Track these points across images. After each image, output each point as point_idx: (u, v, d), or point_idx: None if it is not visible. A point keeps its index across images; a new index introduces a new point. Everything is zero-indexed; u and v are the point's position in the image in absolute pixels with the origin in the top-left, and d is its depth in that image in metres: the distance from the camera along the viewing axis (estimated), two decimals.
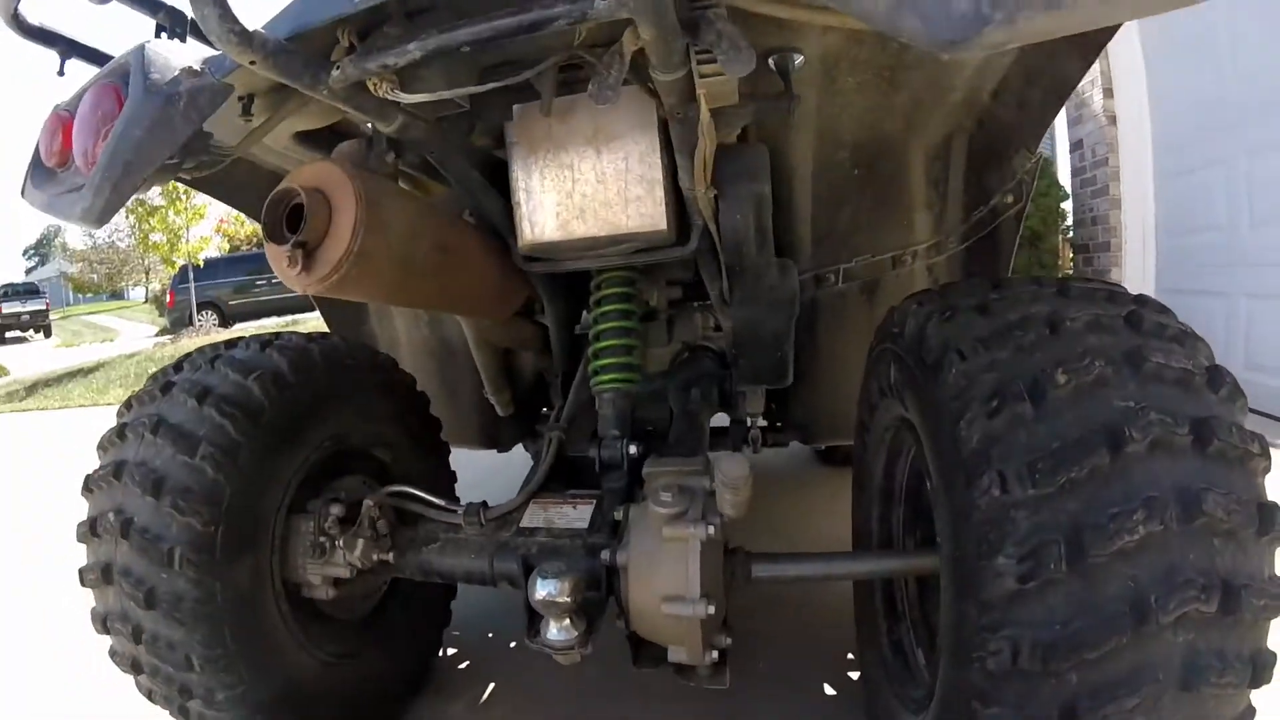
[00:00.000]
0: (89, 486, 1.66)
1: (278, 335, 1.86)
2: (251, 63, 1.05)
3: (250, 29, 1.03)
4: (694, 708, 2.08)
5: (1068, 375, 1.12)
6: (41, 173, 1.55)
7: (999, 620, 1.08)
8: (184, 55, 1.33)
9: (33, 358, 20.21)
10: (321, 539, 1.71)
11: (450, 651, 2.50)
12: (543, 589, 1.37)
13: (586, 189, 1.55)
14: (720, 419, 2.22)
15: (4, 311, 30.46)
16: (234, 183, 1.90)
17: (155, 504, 1.53)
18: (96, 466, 1.66)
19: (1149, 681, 1.02)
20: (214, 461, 1.55)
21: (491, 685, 2.29)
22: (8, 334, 30.34)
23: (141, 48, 1.32)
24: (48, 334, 31.02)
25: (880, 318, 1.69)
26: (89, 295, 45.71)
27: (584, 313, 2.09)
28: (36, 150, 1.56)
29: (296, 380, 1.73)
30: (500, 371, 2.26)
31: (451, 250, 1.53)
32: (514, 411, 2.37)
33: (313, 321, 14.55)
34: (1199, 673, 1.02)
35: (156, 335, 21.00)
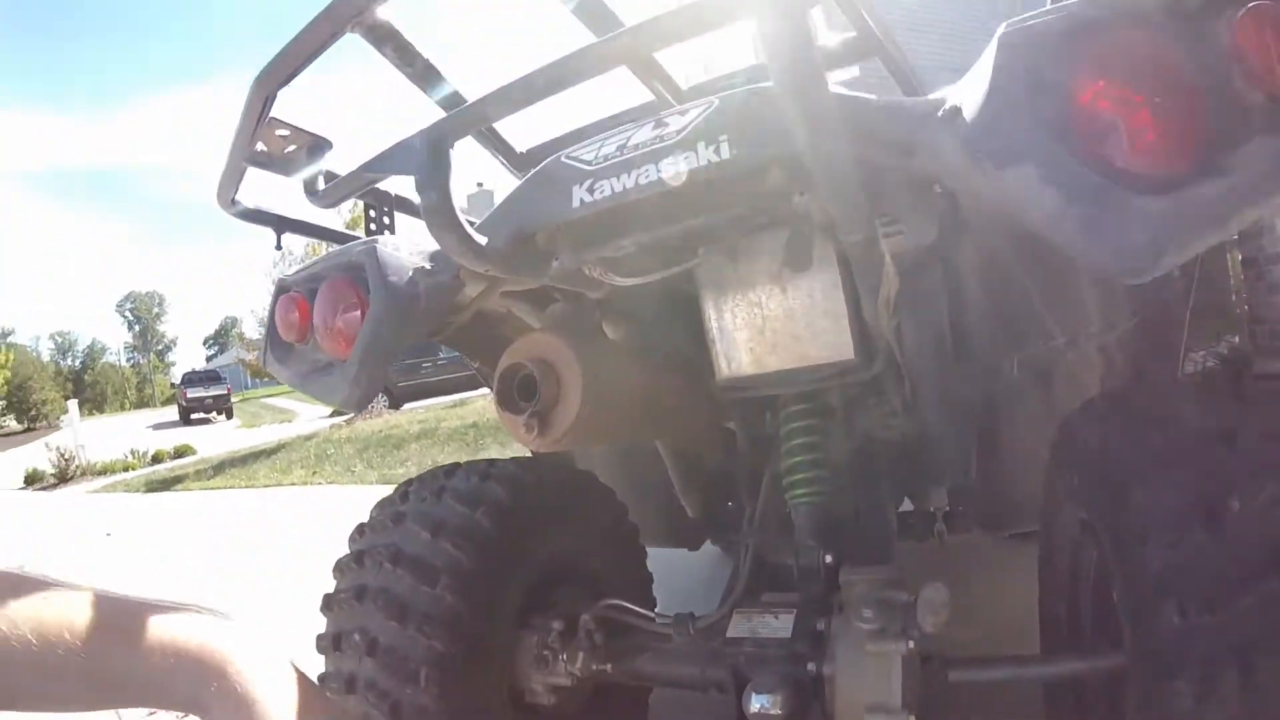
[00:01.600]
0: (329, 605, 1.87)
1: (492, 464, 2.04)
2: (487, 270, 1.22)
3: (482, 242, 1.18)
4: None
5: (1241, 501, 1.15)
6: (281, 347, 1.79)
7: None
8: (410, 251, 1.54)
9: (218, 438, 21.71)
10: (545, 652, 1.87)
11: None
12: (758, 702, 1.49)
13: (776, 324, 1.68)
14: (905, 504, 2.29)
15: (190, 396, 33.07)
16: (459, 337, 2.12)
17: (399, 628, 1.71)
18: (336, 587, 1.87)
19: None
20: (452, 590, 1.74)
21: None
22: (193, 416, 32.79)
23: (373, 250, 1.53)
24: (229, 415, 33.45)
25: (1056, 400, 1.76)
26: (266, 380, 48.89)
27: (767, 414, 2.21)
28: (272, 325, 1.79)
29: (515, 507, 1.91)
30: (691, 475, 2.40)
31: (660, 393, 1.70)
32: (703, 513, 2.51)
33: (478, 400, 15.23)
34: None
35: (330, 416, 22.28)
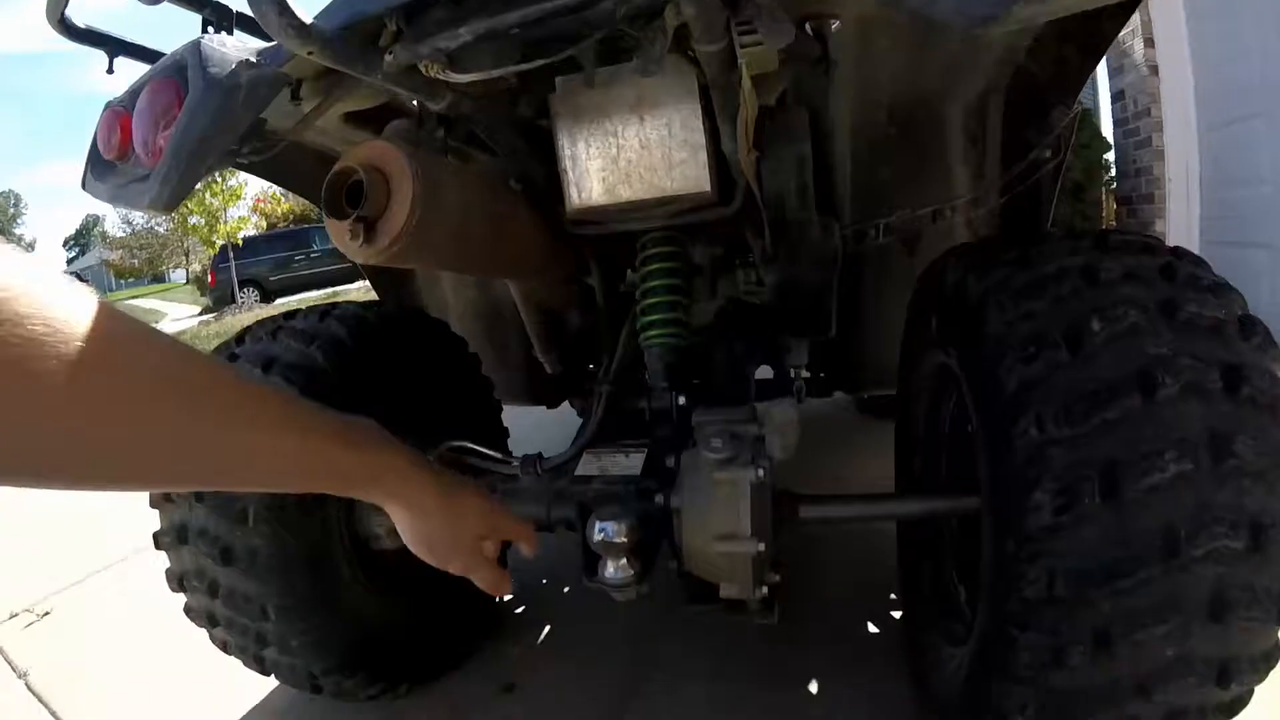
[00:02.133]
0: None
1: (334, 305, 1.96)
2: (309, 53, 1.11)
3: (306, 21, 1.08)
4: (741, 645, 2.18)
5: (1103, 323, 1.18)
6: (101, 166, 1.63)
7: (1036, 551, 1.15)
8: (236, 48, 1.41)
9: None
10: None
11: (508, 597, 2.62)
12: (600, 531, 1.46)
13: (631, 155, 1.61)
14: (765, 371, 2.28)
15: None
16: (285, 166, 1.97)
17: None
18: None
19: (1179, 610, 1.09)
20: None
21: (548, 628, 2.42)
22: None
23: (197, 43, 1.40)
24: None
25: (920, 270, 1.76)
26: (131, 280, 46.44)
27: (629, 271, 2.16)
28: (94, 145, 1.64)
29: (355, 346, 1.83)
30: (548, 331, 2.34)
31: (503, 218, 1.61)
32: (562, 370, 2.46)
33: (354, 294, 14.84)
34: (1227, 605, 1.09)
35: (200, 314, 21.37)
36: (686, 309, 1.95)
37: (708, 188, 1.60)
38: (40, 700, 2.28)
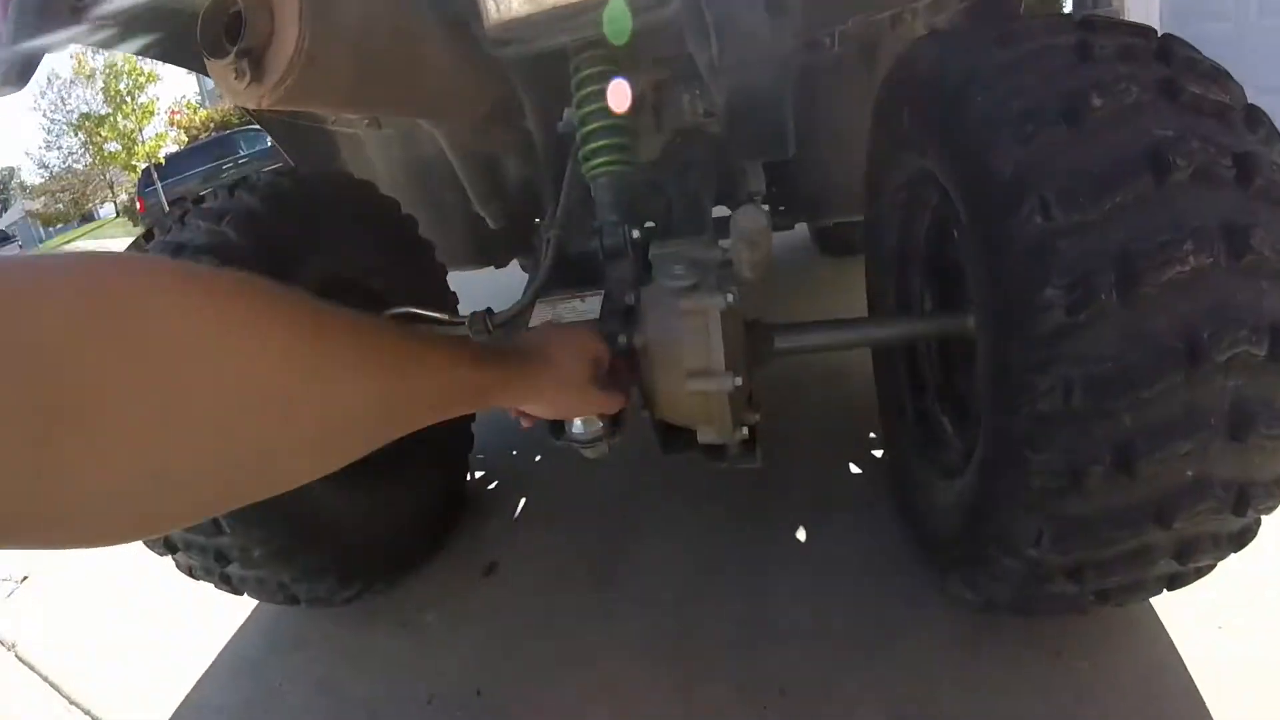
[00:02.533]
0: None
1: (245, 178, 1.75)
2: None
3: None
4: (722, 496, 2.10)
5: (1104, 99, 1.03)
6: None
7: (1048, 357, 1.02)
8: None
9: None
10: None
11: (479, 474, 2.53)
12: None
13: None
14: (720, 211, 2.13)
15: None
16: (150, 29, 1.73)
17: None
18: None
19: (1201, 426, 0.98)
20: None
21: (523, 501, 2.32)
22: None
23: None
24: None
25: (880, 83, 1.60)
26: (60, 226, 44.65)
27: (565, 111, 1.96)
28: None
29: (271, 216, 1.64)
30: (485, 181, 2.13)
31: (412, 40, 1.39)
32: (506, 225, 2.27)
33: None
34: (1248, 421, 0.98)
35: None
36: (632, 136, 1.76)
37: None
38: (33, 669, 2.14)
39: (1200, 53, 1.15)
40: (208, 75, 1.91)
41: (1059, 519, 1.09)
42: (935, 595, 1.61)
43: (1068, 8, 6.50)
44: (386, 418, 0.69)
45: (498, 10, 1.43)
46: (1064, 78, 1.08)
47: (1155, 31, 1.19)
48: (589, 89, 1.66)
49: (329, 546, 1.72)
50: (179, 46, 1.76)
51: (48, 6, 1.17)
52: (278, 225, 1.64)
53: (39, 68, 1.39)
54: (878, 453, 2.14)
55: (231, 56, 1.11)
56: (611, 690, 1.58)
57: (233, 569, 1.65)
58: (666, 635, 1.68)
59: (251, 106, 1.23)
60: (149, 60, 18.67)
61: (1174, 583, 1.22)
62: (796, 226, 2.68)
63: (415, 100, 1.50)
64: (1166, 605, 1.48)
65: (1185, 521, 1.03)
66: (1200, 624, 1.45)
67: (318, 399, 0.58)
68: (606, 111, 1.66)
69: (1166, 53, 1.11)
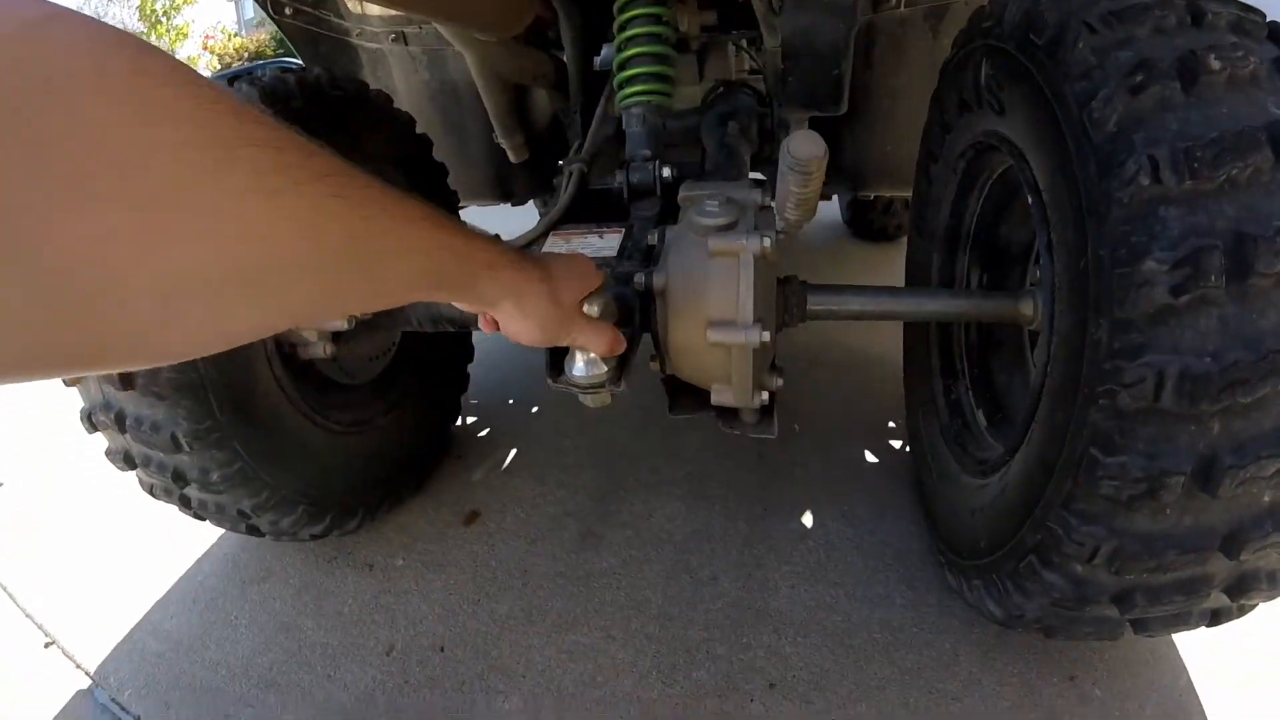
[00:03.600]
0: None
1: (249, 69, 1.61)
2: None
3: None
4: (725, 468, 1.98)
5: (1222, 63, 0.90)
6: None
7: (1140, 343, 0.88)
8: None
9: None
10: None
11: (470, 420, 2.41)
12: None
13: None
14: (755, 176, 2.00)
15: None
16: None
17: None
18: None
19: None
20: None
21: (514, 451, 2.20)
22: None
23: None
24: None
25: (944, 50, 1.48)
26: None
27: (604, 47, 1.82)
28: None
29: (271, 113, 1.49)
30: (511, 111, 2.01)
31: None
32: (528, 159, 2.14)
33: None
34: None
35: None
36: (672, 69, 1.62)
37: None
38: None
39: None
40: None
41: (1121, 533, 0.95)
42: (947, 601, 1.50)
43: None
44: (335, 265, 0.54)
45: None
46: (1177, 35, 0.96)
47: (1264, 14, 1.06)
48: (633, 13, 1.53)
49: (298, 476, 1.60)
50: None
51: None
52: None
53: None
54: (897, 444, 2.01)
55: None
56: (584, 661, 1.47)
57: (192, 491, 1.52)
58: (650, 609, 1.56)
59: None
60: None
61: (1216, 619, 1.09)
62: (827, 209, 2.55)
63: (450, 2, 1.36)
64: (1192, 639, 1.38)
65: (1253, 553, 0.92)
66: (1228, 665, 1.34)
67: (215, 214, 0.44)
68: (648, 38, 1.53)
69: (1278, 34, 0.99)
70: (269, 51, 20.18)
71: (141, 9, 18.56)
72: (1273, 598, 1.03)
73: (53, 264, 0.36)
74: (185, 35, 18.74)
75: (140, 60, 0.40)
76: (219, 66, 22.68)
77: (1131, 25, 0.98)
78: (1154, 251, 0.87)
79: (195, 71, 0.44)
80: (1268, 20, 1.03)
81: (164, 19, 17.98)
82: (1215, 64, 0.90)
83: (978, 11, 1.35)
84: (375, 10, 1.97)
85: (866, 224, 3.81)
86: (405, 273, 0.64)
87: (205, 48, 21.60)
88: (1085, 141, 0.97)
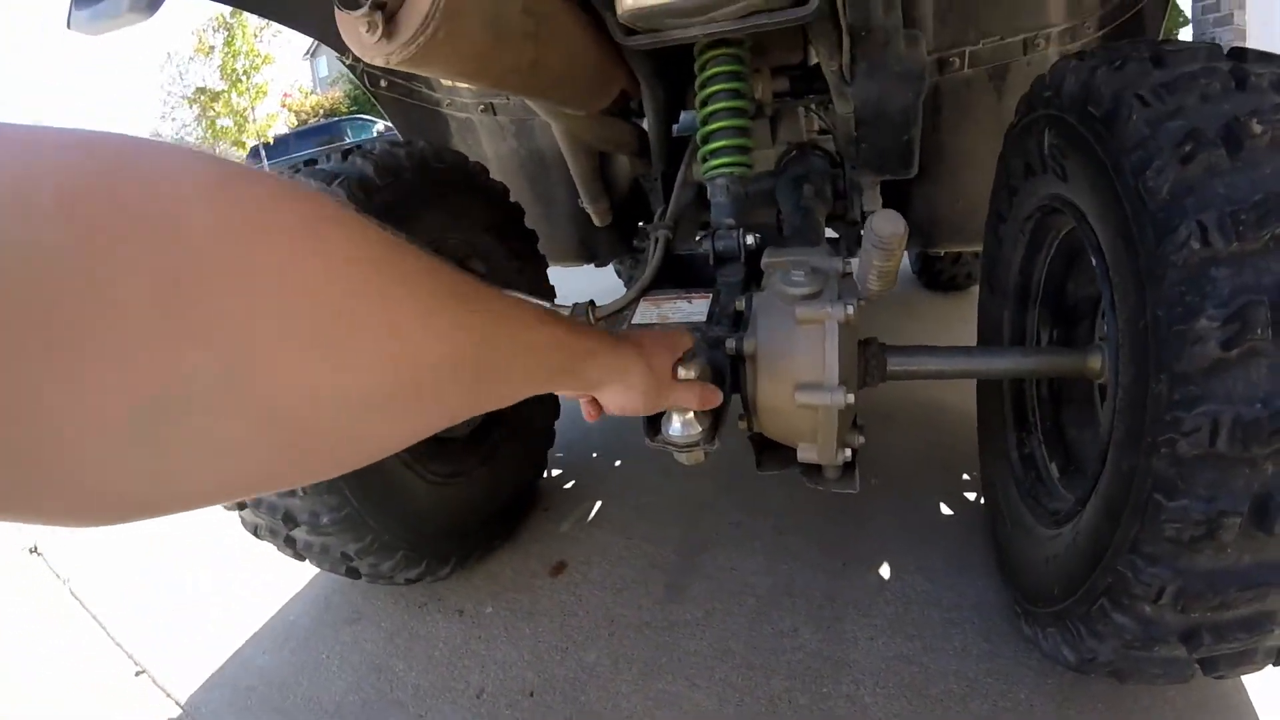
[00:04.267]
0: None
1: (363, 144, 1.75)
2: None
3: None
4: (806, 522, 2.01)
5: (1264, 126, 0.97)
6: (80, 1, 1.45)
7: (1196, 395, 0.94)
8: None
9: None
10: None
11: (556, 472, 2.49)
12: None
13: None
14: (829, 233, 2.06)
15: None
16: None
17: None
18: None
19: None
20: None
21: (599, 504, 2.27)
22: None
23: None
24: None
25: (1009, 110, 1.54)
26: None
27: (681, 114, 1.92)
28: None
29: (383, 184, 1.63)
30: (595, 178, 2.11)
31: (544, 18, 1.36)
32: (611, 222, 2.24)
33: None
34: None
35: None
36: (752, 141, 1.70)
37: None
38: (84, 606, 2.16)
39: None
40: (325, 41, 1.94)
41: (1185, 573, 1.00)
42: (1022, 654, 1.52)
43: (1185, 34, 6.29)
44: (472, 372, 0.58)
45: None
46: (1222, 101, 1.02)
47: None
48: (714, 88, 1.61)
49: (399, 522, 1.69)
50: (303, 7, 1.78)
51: None
52: (387, 193, 1.63)
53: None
54: (972, 496, 2.03)
55: (366, 9, 1.09)
56: (670, 709, 1.51)
57: (299, 533, 1.63)
58: (733, 659, 1.60)
59: (378, 63, 1.21)
60: (265, 42, 19.41)
61: None
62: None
63: (541, 80, 1.47)
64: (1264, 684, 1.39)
65: None
66: None
67: (388, 338, 0.48)
68: (730, 112, 1.61)
69: None
70: (343, 109, 20.96)
71: (223, 68, 19.43)
72: None
73: (264, 394, 0.40)
74: (264, 93, 19.55)
75: (317, 207, 0.45)
76: (296, 123, 23.61)
77: (1181, 95, 1.05)
78: (1206, 310, 0.93)
79: (353, 210, 0.49)
80: None
81: (244, 78, 18.77)
82: (1258, 128, 0.96)
83: (1038, 80, 1.42)
84: (465, 84, 2.09)
85: (936, 274, 3.84)
86: (526, 370, 0.72)
87: (283, 105, 22.54)
88: (1142, 208, 1.03)
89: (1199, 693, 1.39)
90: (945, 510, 2.01)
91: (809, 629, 1.65)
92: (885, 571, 1.80)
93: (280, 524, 1.61)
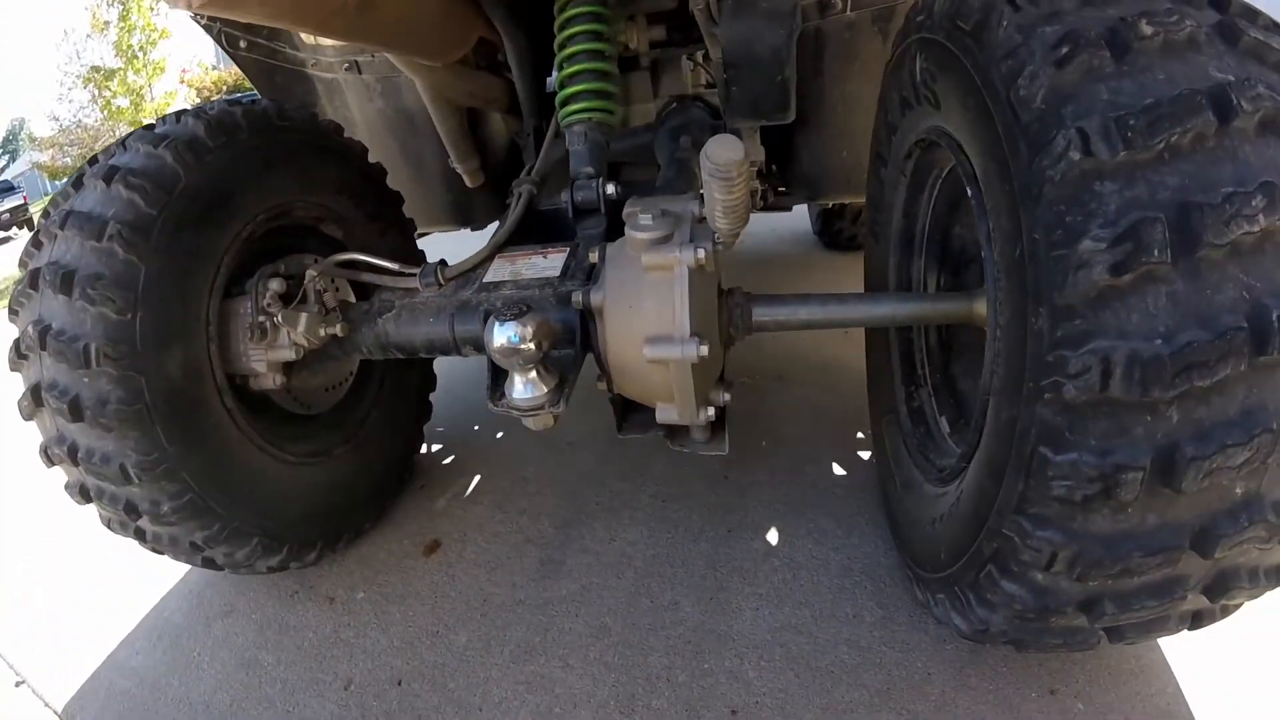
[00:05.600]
0: (12, 308, 1.47)
1: (201, 108, 1.61)
2: None
3: None
4: (690, 488, 1.95)
5: (1154, 28, 0.87)
6: None
7: (1084, 330, 0.84)
8: None
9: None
10: (261, 319, 1.51)
11: (434, 447, 2.40)
12: (501, 335, 1.16)
13: None
14: None
15: None
16: None
17: (68, 301, 1.34)
18: (14, 288, 1.47)
19: (1262, 429, 0.81)
20: (123, 240, 1.35)
21: (477, 478, 2.18)
22: None
23: None
24: (31, 227, 30.15)
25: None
26: (67, 179, 44.98)
27: (555, 72, 1.82)
28: None
29: (217, 145, 1.50)
30: (465, 136, 2.01)
31: None
32: (485, 183, 2.13)
33: None
34: None
35: None
36: (619, 86, 1.61)
37: None
38: None
39: (1260, 10, 0.98)
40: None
41: (1080, 537, 0.90)
42: (918, 618, 1.46)
43: None
44: None
45: None
46: (1107, 5, 0.93)
47: None
48: (572, 31, 1.52)
49: (252, 508, 1.58)
50: None
51: None
52: (222, 156, 1.50)
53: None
54: (866, 454, 1.98)
55: None
56: (541, 693, 1.43)
57: (145, 524, 1.50)
58: (611, 637, 1.53)
59: (183, 10, 1.08)
60: (163, 15, 18.66)
61: (1198, 621, 1.03)
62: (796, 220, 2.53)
63: (372, 26, 1.35)
64: (1179, 643, 1.34)
65: (1228, 549, 0.86)
66: (1218, 668, 1.30)
67: None
68: (588, 55, 1.52)
69: (1223, 2, 0.95)
70: (246, 85, 20.25)
71: (118, 44, 18.64)
72: (1256, 595, 0.98)
73: None
74: (162, 70, 18.83)
75: None
76: (197, 100, 22.77)
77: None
78: (1091, 230, 0.83)
79: None
80: None
81: (140, 54, 18.05)
82: (1148, 29, 0.87)
83: (912, 6, 1.33)
84: (328, 40, 1.96)
85: (836, 233, 3.79)
86: None
87: (183, 81, 21.67)
88: (1014, 122, 0.93)
89: (1111, 656, 1.34)
90: (838, 471, 1.96)
91: (690, 601, 1.58)
92: (773, 537, 1.74)
93: (126, 516, 1.48)
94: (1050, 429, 0.88)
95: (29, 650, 1.83)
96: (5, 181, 35.19)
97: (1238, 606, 1.03)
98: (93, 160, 1.54)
